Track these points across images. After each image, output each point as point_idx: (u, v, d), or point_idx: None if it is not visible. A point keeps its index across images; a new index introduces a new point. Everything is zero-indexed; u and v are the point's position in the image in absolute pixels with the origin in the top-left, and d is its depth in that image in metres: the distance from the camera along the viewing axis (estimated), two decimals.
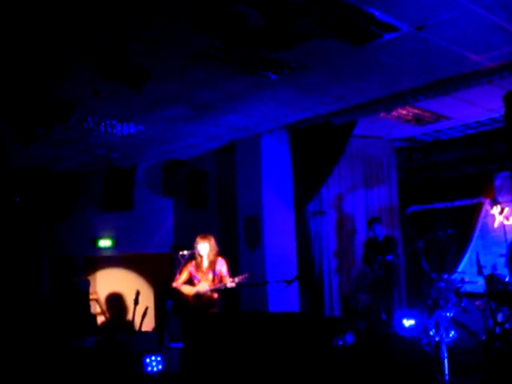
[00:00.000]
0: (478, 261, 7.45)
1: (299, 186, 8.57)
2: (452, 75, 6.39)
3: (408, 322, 7.69)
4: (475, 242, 9.82)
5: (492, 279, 7.87)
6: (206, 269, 7.01)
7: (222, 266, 6.99)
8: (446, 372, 5.61)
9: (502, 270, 8.18)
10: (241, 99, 6.90)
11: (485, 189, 9.85)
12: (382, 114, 8.04)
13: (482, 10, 4.78)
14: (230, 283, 6.76)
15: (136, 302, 7.20)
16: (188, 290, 6.98)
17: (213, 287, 6.89)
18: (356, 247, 9.07)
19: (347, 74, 6.25)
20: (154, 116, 7.37)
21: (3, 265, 9.39)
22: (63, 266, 10.04)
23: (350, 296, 8.85)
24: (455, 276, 8.24)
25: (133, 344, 7.17)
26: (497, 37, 5.35)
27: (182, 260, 6.85)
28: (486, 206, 9.88)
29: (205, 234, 7.21)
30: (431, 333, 7.05)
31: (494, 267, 8.33)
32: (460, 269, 9.41)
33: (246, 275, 6.79)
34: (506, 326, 7.18)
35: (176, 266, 7.30)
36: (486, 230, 9.86)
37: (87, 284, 9.60)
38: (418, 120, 8.49)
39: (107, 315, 10.50)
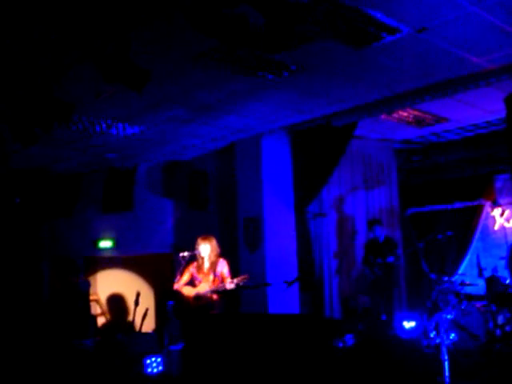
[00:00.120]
0: (478, 263, 7.46)
1: (300, 187, 8.57)
2: (453, 77, 6.38)
3: (408, 324, 7.68)
4: (476, 244, 9.82)
5: (492, 281, 7.88)
6: (207, 270, 7.00)
7: (223, 267, 6.98)
8: (447, 374, 5.59)
9: (503, 272, 8.18)
10: (241, 100, 6.90)
11: (485, 191, 9.86)
12: (383, 116, 8.05)
13: (482, 12, 4.77)
14: (229, 285, 6.74)
15: (136, 303, 7.20)
16: (188, 291, 6.97)
17: (213, 288, 6.88)
18: (356, 248, 9.07)
19: (348, 76, 6.25)
20: (155, 117, 7.37)
21: (3, 265, 9.39)
22: (63, 267, 10.01)
23: (351, 297, 8.86)
24: (456, 278, 8.26)
25: (133, 345, 7.17)
26: (497, 39, 5.35)
27: (182, 261, 6.84)
28: (487, 208, 9.89)
29: (206, 235, 7.18)
30: (431, 335, 7.05)
31: (495, 269, 8.34)
32: (460, 271, 9.42)
33: (246, 276, 6.78)
34: (507, 328, 7.19)
35: (176, 267, 7.29)
36: (487, 232, 9.87)
37: (87, 285, 9.58)
38: (418, 122, 8.49)
39: (107, 316, 10.49)
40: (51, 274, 10.33)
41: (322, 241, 8.71)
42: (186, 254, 6.86)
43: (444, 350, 5.68)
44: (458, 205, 10.00)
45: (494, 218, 9.76)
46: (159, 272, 10.11)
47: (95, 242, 10.18)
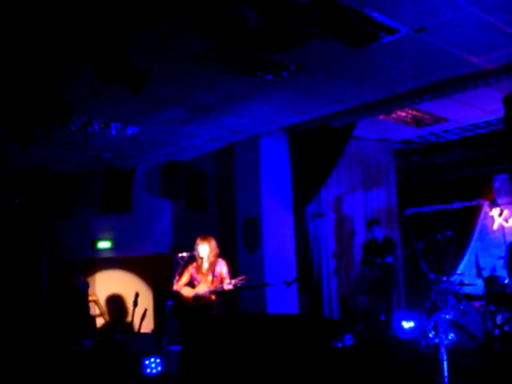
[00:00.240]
0: (477, 263, 7.47)
1: (298, 188, 8.57)
2: (452, 77, 6.39)
3: (407, 324, 7.69)
4: (474, 244, 9.82)
5: (491, 281, 7.90)
6: (206, 270, 6.99)
7: (222, 268, 6.96)
8: (445, 374, 5.59)
9: (501, 272, 8.19)
10: (240, 101, 6.90)
11: (484, 191, 9.86)
12: (382, 116, 8.05)
13: (481, 12, 4.78)
14: (227, 285, 6.73)
15: (135, 304, 7.19)
16: (187, 291, 6.97)
17: (212, 289, 6.87)
18: (355, 249, 9.07)
19: (346, 76, 6.25)
20: (153, 117, 7.37)
21: (2, 266, 9.39)
22: (62, 268, 10.00)
23: (349, 297, 8.86)
24: (454, 278, 8.26)
25: (132, 346, 7.16)
26: (496, 39, 5.36)
27: (181, 262, 6.83)
28: (485, 208, 9.89)
29: (205, 235, 7.17)
30: (430, 335, 7.06)
31: (493, 269, 8.36)
32: (459, 271, 9.41)
33: (244, 277, 6.75)
34: (505, 328, 7.20)
35: (175, 268, 7.28)
36: (485, 232, 9.87)
37: (86, 285, 9.58)
38: (417, 122, 8.49)
39: (106, 317, 10.49)
40: (50, 274, 10.33)
41: (321, 241, 8.71)
42: (184, 254, 6.85)
43: (443, 349, 5.67)
44: (456, 205, 10.00)
45: (492, 217, 9.76)
46: (158, 272, 10.11)
47: (94, 243, 10.17)
